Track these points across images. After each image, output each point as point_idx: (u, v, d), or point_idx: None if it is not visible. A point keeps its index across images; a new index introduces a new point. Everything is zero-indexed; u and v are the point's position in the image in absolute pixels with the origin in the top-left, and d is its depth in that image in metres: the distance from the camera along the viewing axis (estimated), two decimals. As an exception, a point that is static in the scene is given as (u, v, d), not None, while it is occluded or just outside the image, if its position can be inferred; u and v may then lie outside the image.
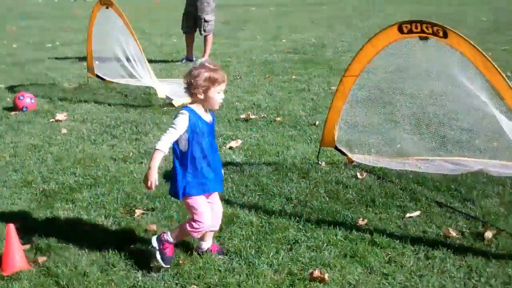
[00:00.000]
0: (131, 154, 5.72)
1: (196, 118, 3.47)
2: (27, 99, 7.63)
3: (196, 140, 3.47)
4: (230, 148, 5.83)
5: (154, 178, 3.39)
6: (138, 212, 4.42)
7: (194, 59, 10.92)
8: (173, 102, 7.53)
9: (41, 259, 3.75)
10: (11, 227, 3.69)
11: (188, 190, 3.51)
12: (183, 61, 10.97)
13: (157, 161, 3.38)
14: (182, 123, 3.42)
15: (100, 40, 8.78)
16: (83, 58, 11.20)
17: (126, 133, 6.40)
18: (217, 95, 3.49)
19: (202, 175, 3.52)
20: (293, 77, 8.99)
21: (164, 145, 3.40)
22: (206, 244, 3.79)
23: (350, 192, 4.71)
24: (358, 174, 5.06)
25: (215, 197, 3.73)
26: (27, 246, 3.90)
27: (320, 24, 15.93)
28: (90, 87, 8.82)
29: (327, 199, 4.59)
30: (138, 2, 24.95)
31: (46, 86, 9.14)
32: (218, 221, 3.78)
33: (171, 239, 3.63)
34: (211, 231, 3.76)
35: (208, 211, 3.58)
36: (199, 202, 3.55)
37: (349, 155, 5.36)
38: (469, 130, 5.13)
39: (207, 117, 3.55)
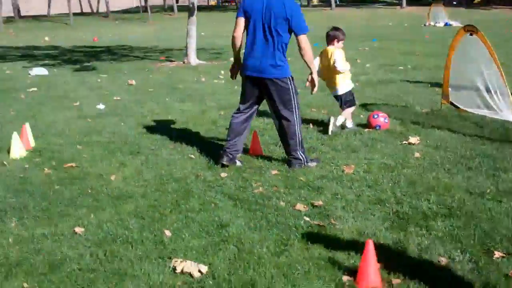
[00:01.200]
0: (488, 190, 5.30)
1: None
2: (381, 118, 7.79)
3: None
4: None
5: None
6: (497, 254, 4.03)
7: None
8: (535, 141, 6.86)
9: (395, 281, 3.67)
10: (370, 243, 3.69)
11: None
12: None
13: None
14: None
15: (458, 67, 8.56)
16: (435, 84, 11.18)
17: (482, 167, 5.98)
18: None
19: None
20: None
21: None
22: None
23: None
24: None
25: None
26: (380, 265, 3.86)
27: None
28: (443, 114, 8.61)
29: None
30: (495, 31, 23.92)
31: (398, 108, 9.27)
32: None
33: None
34: None
35: None
36: None
37: None
38: None
39: None
